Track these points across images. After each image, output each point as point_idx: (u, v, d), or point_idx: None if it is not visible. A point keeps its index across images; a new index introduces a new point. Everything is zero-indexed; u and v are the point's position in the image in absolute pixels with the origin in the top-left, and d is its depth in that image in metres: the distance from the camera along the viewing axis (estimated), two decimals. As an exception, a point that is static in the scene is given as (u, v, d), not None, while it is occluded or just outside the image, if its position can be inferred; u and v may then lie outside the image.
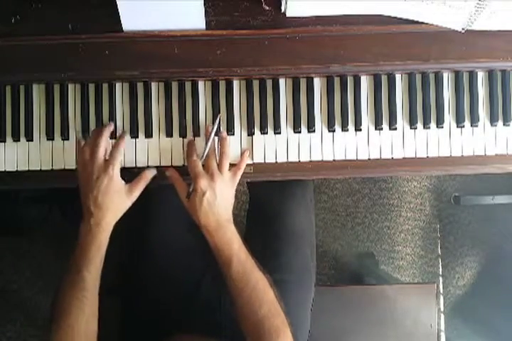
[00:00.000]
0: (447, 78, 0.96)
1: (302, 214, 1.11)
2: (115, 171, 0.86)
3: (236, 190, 1.82)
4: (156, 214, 1.08)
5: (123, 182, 0.89)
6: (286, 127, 0.96)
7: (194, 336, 0.97)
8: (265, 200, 1.13)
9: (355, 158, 0.96)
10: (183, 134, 0.96)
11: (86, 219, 0.87)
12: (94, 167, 0.86)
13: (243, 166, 0.92)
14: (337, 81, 0.96)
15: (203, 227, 0.89)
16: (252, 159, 0.96)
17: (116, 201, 0.86)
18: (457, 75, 0.96)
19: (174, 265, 1.04)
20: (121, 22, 0.90)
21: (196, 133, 0.96)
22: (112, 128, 0.93)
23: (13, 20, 0.92)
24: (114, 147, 0.89)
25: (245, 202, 1.74)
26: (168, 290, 1.04)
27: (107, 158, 0.88)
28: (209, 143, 0.91)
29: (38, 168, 0.96)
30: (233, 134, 0.96)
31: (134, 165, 0.96)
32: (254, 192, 1.23)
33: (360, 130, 0.96)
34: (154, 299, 1.02)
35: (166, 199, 1.11)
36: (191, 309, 1.04)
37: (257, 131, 0.96)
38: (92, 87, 0.96)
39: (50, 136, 0.96)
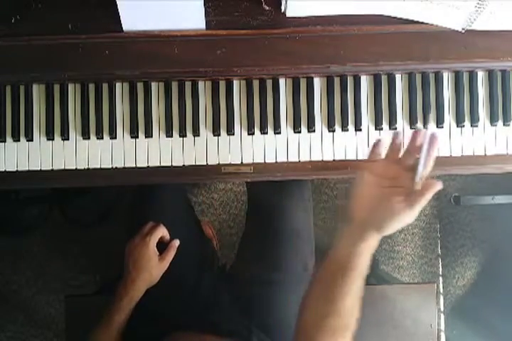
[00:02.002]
0: (447, 78, 0.96)
1: (300, 213, 1.12)
2: (151, 242, 1.03)
3: (236, 191, 1.83)
4: (156, 214, 1.08)
5: (157, 252, 1.04)
6: (286, 127, 0.96)
7: (192, 334, 0.97)
8: (263, 200, 1.13)
9: (355, 158, 0.96)
10: (183, 134, 0.96)
11: (124, 277, 1.02)
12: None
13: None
14: (337, 81, 0.96)
15: (382, 231, 0.75)
16: (253, 159, 0.96)
17: (150, 264, 1.02)
18: (457, 75, 0.96)
19: (173, 264, 1.05)
20: (121, 22, 0.90)
21: (196, 133, 0.96)
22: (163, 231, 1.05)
23: (13, 20, 0.92)
24: (155, 231, 1.04)
25: (245, 202, 1.75)
26: (167, 289, 1.04)
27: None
28: (423, 159, 0.73)
29: (38, 168, 0.96)
30: (233, 134, 0.96)
31: (134, 165, 0.96)
32: (252, 192, 1.23)
33: (360, 130, 0.96)
34: (153, 298, 1.03)
35: (166, 200, 1.11)
36: (190, 308, 1.04)
37: (257, 131, 0.96)
38: (92, 87, 0.96)
39: (50, 136, 0.96)
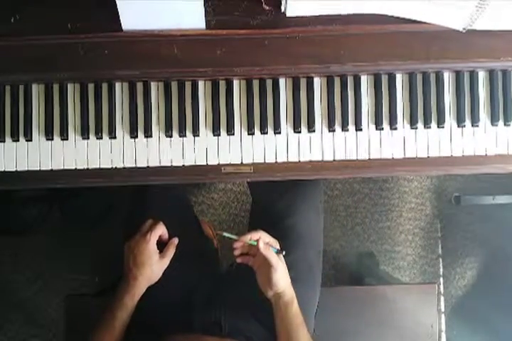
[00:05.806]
0: (448, 78, 0.96)
1: (312, 214, 1.11)
2: (152, 239, 1.02)
3: (236, 191, 1.83)
4: (156, 214, 1.08)
5: (157, 250, 1.03)
6: (286, 127, 0.96)
7: (193, 335, 0.97)
8: (273, 200, 1.12)
9: (355, 158, 0.96)
10: (182, 134, 0.96)
11: (125, 274, 1.02)
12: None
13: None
14: (337, 81, 0.96)
15: (286, 295, 0.97)
16: (253, 159, 0.96)
17: (151, 261, 1.01)
18: (458, 75, 0.95)
19: (174, 263, 1.05)
20: (121, 22, 0.90)
21: (196, 133, 0.96)
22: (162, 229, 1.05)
23: (13, 20, 0.92)
24: (155, 228, 1.03)
25: (245, 202, 1.74)
26: (166, 291, 1.04)
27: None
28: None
29: (38, 168, 0.96)
30: (233, 134, 0.96)
31: (134, 165, 0.96)
32: (257, 193, 1.22)
33: (361, 130, 0.96)
34: (153, 300, 1.03)
35: (165, 200, 1.11)
36: (191, 307, 1.04)
37: (257, 131, 0.96)
38: (91, 87, 0.96)
39: (49, 136, 0.96)
